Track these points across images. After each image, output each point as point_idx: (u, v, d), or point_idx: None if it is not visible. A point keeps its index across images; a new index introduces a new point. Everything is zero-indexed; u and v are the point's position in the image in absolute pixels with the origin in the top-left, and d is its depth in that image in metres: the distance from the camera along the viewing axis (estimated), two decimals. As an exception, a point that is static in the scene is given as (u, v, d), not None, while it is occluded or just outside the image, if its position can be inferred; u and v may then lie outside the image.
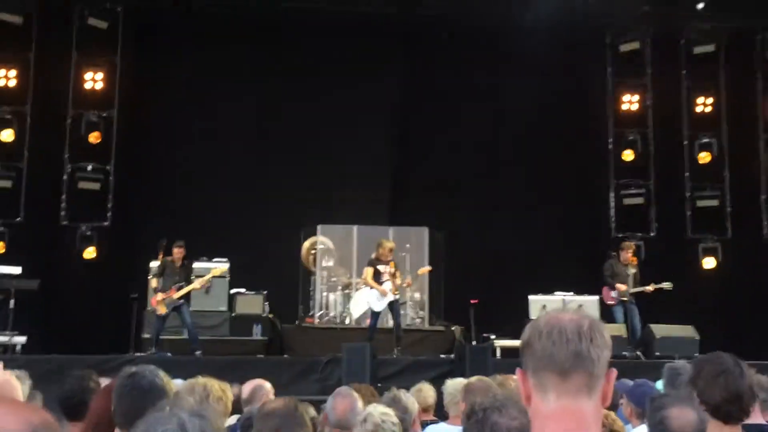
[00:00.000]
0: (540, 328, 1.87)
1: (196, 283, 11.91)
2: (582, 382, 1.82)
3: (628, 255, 12.73)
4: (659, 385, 5.05)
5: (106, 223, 14.27)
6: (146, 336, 12.31)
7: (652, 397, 3.40)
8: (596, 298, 12.99)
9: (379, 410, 4.04)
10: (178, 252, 11.76)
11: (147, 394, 3.15)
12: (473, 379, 5.19)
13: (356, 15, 14.78)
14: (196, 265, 12.35)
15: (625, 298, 12.51)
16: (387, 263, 12.04)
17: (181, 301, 11.70)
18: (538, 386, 1.85)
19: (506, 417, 2.24)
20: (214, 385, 3.78)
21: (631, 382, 5.26)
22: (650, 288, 12.48)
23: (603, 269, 12.73)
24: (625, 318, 12.49)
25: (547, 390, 1.83)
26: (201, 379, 3.79)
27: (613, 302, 12.60)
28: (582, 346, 1.83)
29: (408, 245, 13.87)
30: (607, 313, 12.57)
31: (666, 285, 12.56)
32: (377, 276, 11.99)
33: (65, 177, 14.27)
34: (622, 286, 12.47)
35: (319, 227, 14.33)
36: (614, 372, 1.87)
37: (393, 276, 12.00)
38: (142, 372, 3.32)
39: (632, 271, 12.65)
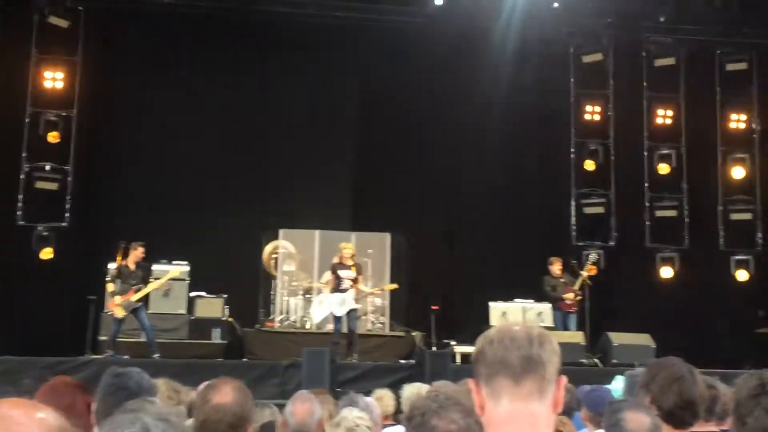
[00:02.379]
0: (491, 337, 1.93)
1: (154, 285, 11.81)
2: (534, 387, 1.86)
3: (556, 269, 13.14)
4: (616, 391, 5.10)
5: (63, 224, 14.05)
6: (103, 338, 12.16)
7: (609, 401, 3.45)
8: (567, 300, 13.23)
9: (354, 414, 4.01)
10: (140, 253, 11.63)
11: (134, 395, 3.16)
12: (439, 383, 5.10)
13: (320, 21, 14.77)
14: (155, 267, 12.27)
15: (579, 296, 13.05)
16: (348, 268, 12.01)
17: (139, 303, 11.59)
18: (491, 393, 1.89)
19: (445, 420, 2.21)
20: (167, 385, 3.75)
21: (589, 387, 5.30)
22: (572, 296, 12.96)
23: (543, 288, 13.10)
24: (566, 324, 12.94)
25: (501, 395, 1.87)
26: (161, 380, 3.76)
27: (573, 309, 12.91)
28: (533, 351, 1.88)
29: (370, 250, 13.88)
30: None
31: (584, 274, 13.09)
32: (337, 281, 11.97)
33: (22, 176, 14.03)
34: (569, 295, 12.96)
35: (280, 231, 14.27)
36: (564, 378, 1.92)
37: (355, 281, 11.98)
38: (129, 373, 3.37)
39: (562, 281, 13.11)
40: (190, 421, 4.83)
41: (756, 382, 2.41)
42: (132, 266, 11.66)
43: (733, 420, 2.34)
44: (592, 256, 13.65)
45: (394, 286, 13.51)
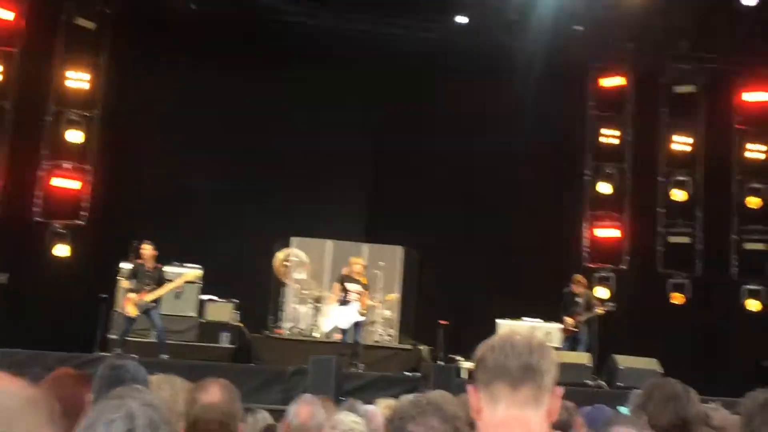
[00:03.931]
0: (492, 344, 1.99)
1: (169, 286, 11.86)
2: (530, 394, 1.92)
3: (576, 288, 13.09)
4: (623, 409, 5.13)
5: (80, 222, 14.19)
6: (112, 336, 12.25)
7: (607, 418, 3.48)
8: (562, 326, 13.17)
9: (350, 418, 4.05)
10: (148, 252, 11.70)
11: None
12: (435, 392, 5.10)
13: (340, 33, 14.87)
14: (168, 269, 12.31)
15: (575, 329, 12.94)
16: (357, 281, 12.10)
17: (153, 304, 11.66)
18: (489, 398, 1.94)
19: (422, 426, 2.24)
20: (184, 384, 3.77)
21: (590, 407, 5.31)
22: (570, 322, 12.92)
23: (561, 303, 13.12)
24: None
25: (498, 401, 1.92)
26: (173, 377, 3.76)
27: (567, 333, 12.98)
28: (532, 359, 1.94)
29: (381, 263, 13.92)
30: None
31: (610, 306, 13.10)
32: (344, 293, 12.06)
33: (41, 173, 14.18)
34: (568, 320, 12.92)
35: (292, 239, 14.34)
36: (560, 389, 1.97)
37: (362, 295, 12.05)
38: (126, 365, 3.37)
39: (580, 301, 13.03)
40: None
41: (765, 396, 2.48)
42: (149, 266, 11.75)
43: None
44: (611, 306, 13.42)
45: (394, 296, 13.58)
